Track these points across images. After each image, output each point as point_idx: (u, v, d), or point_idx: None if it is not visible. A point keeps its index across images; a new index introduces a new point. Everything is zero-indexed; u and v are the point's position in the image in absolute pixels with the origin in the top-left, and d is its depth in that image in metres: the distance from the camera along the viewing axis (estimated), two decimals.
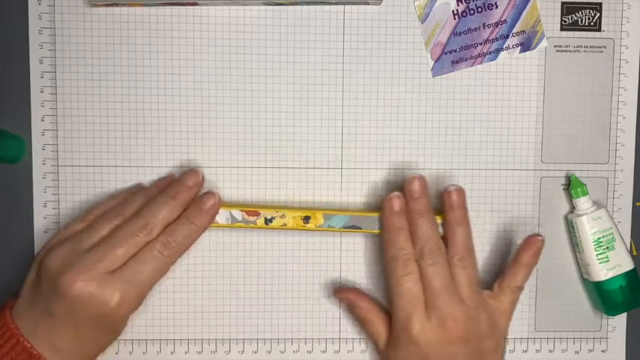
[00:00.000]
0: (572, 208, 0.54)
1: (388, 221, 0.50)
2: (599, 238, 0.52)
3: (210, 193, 0.50)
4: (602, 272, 0.52)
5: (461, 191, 0.51)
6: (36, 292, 0.48)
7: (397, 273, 0.49)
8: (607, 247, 0.52)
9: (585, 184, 0.53)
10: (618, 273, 0.53)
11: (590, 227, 0.52)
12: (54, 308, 0.46)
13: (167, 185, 0.51)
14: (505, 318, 0.51)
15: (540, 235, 0.53)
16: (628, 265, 0.53)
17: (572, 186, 0.54)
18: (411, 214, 0.50)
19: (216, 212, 0.50)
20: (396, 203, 0.50)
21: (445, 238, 0.51)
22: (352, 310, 0.53)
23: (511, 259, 0.52)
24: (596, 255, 0.52)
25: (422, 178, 0.50)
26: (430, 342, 0.48)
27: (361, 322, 0.53)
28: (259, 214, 0.51)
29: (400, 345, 0.49)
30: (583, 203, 0.53)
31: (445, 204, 0.51)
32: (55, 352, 0.47)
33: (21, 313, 0.48)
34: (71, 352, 0.47)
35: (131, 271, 0.46)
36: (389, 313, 0.51)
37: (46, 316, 0.46)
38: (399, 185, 0.53)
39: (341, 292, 0.53)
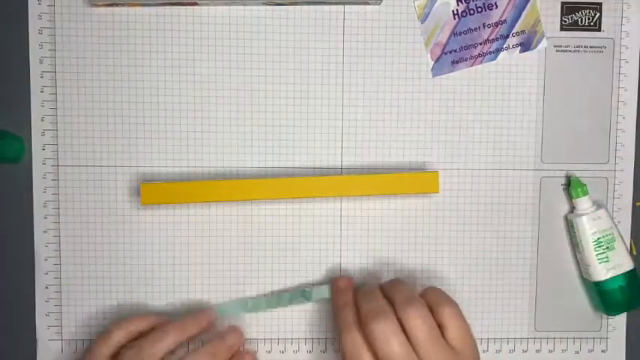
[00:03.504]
0: (572, 208, 0.54)
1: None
2: (599, 238, 0.52)
3: (238, 332, 0.52)
4: (602, 272, 0.52)
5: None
6: None
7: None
8: (607, 247, 0.52)
9: (585, 184, 0.53)
10: (618, 273, 0.53)
11: (590, 227, 0.52)
12: None
13: (197, 328, 0.51)
14: None
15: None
16: (628, 265, 0.53)
17: (572, 186, 0.54)
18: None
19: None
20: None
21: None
22: None
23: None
24: (596, 255, 0.52)
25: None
26: None
27: None
28: None
29: None
30: (583, 203, 0.53)
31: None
32: None
33: None
34: None
35: None
36: None
37: None
38: None
39: None
